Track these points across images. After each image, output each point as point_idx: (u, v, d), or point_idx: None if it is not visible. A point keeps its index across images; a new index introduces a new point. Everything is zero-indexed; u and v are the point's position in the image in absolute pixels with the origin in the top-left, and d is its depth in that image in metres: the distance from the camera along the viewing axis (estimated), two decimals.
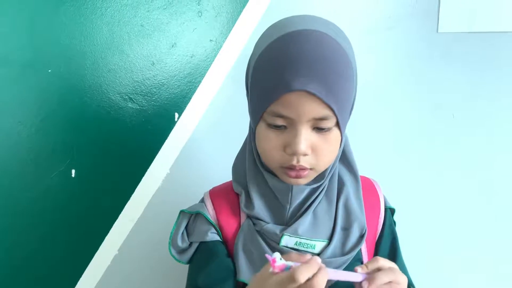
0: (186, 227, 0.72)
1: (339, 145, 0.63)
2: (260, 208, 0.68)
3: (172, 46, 0.95)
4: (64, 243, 0.95)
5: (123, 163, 0.95)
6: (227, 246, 0.70)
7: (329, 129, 0.60)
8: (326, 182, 0.68)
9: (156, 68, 0.95)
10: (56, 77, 0.90)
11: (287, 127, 0.60)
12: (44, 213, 0.93)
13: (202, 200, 0.74)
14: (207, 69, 0.97)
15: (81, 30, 0.90)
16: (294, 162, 0.60)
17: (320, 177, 0.66)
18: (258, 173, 0.69)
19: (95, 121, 0.93)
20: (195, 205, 0.74)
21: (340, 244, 0.66)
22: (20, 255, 0.93)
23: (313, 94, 0.56)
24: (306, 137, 0.59)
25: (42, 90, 0.90)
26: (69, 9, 0.90)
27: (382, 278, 0.56)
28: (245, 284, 0.64)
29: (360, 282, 0.57)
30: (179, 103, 0.96)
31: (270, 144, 0.61)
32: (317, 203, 0.67)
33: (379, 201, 0.74)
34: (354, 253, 0.66)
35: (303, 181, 0.64)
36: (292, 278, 0.49)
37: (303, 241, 0.65)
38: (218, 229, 0.70)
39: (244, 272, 0.66)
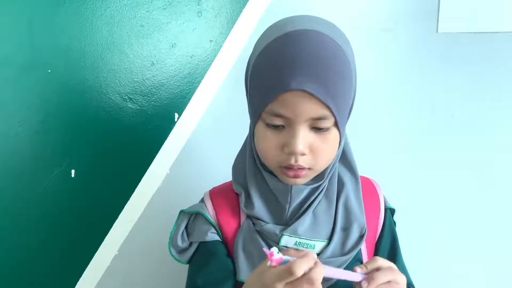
0: (186, 227, 0.72)
1: (337, 145, 0.63)
2: (260, 208, 0.68)
3: (172, 46, 0.95)
4: (64, 243, 0.95)
5: (123, 163, 0.95)
6: (227, 246, 0.70)
7: (327, 129, 0.60)
8: (326, 182, 0.68)
9: (156, 68, 0.95)
10: (56, 78, 0.90)
11: (285, 126, 0.60)
12: (44, 214, 0.93)
13: (202, 200, 0.74)
14: (207, 69, 0.97)
15: (80, 30, 0.90)
16: (292, 162, 0.60)
17: (320, 177, 0.66)
18: (258, 173, 0.69)
19: (95, 122, 0.93)
20: (195, 205, 0.74)
21: (339, 244, 0.66)
22: (20, 255, 0.93)
23: (311, 94, 0.56)
24: (304, 137, 0.59)
25: (41, 90, 0.90)
26: (69, 9, 0.90)
27: (381, 278, 0.56)
28: None
29: (359, 282, 0.57)
30: (179, 103, 0.96)
31: (268, 144, 0.62)
32: (317, 203, 0.67)
33: (379, 201, 0.74)
34: (353, 253, 0.66)
35: (301, 181, 0.64)
36: (289, 271, 0.49)
37: (302, 241, 0.65)
38: (218, 229, 0.70)
39: (244, 272, 0.66)
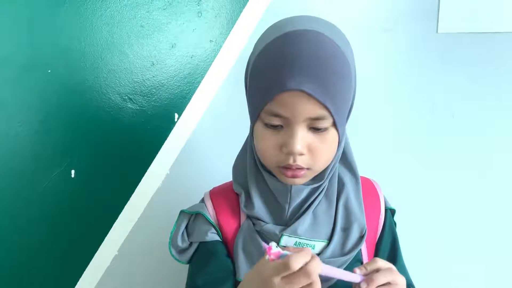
0: (186, 227, 0.72)
1: (336, 146, 0.63)
2: (260, 208, 0.68)
3: (172, 46, 0.95)
4: (64, 243, 0.95)
5: (123, 163, 0.95)
6: (227, 246, 0.70)
7: (325, 129, 0.60)
8: (326, 183, 0.68)
9: (155, 68, 0.95)
10: (56, 78, 0.90)
11: (284, 126, 0.60)
12: (44, 214, 0.93)
13: (202, 200, 0.74)
14: (207, 70, 0.97)
15: (80, 30, 0.90)
16: (291, 162, 0.60)
17: (320, 177, 0.66)
18: (258, 173, 0.69)
19: (95, 122, 0.93)
20: (195, 205, 0.74)
21: (339, 244, 0.66)
22: (20, 255, 0.93)
23: (309, 94, 0.56)
24: (302, 137, 0.59)
25: (41, 90, 0.90)
26: (69, 9, 0.90)
27: (380, 279, 0.56)
28: None
29: (359, 283, 0.57)
30: (178, 103, 0.96)
31: (267, 144, 0.62)
32: (317, 203, 0.67)
33: (379, 201, 0.74)
34: (353, 254, 0.66)
35: (300, 181, 0.64)
36: (286, 265, 0.49)
37: (302, 241, 0.65)
38: (218, 229, 0.70)
39: (244, 272, 0.66)
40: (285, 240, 0.65)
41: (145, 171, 0.96)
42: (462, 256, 1.01)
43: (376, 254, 0.72)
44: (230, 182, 0.75)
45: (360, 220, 0.68)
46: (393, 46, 0.99)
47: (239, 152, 0.74)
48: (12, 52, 0.88)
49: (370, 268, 0.57)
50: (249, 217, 0.69)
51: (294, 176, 0.62)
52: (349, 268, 0.60)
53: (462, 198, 1.00)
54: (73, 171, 0.93)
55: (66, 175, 0.93)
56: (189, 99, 0.96)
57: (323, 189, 0.68)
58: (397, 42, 0.99)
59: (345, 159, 0.71)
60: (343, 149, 0.68)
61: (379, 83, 0.99)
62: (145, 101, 0.95)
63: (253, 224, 0.68)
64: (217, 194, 0.74)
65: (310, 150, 0.60)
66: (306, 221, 0.66)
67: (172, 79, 0.96)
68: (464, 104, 0.99)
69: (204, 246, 0.70)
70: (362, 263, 0.69)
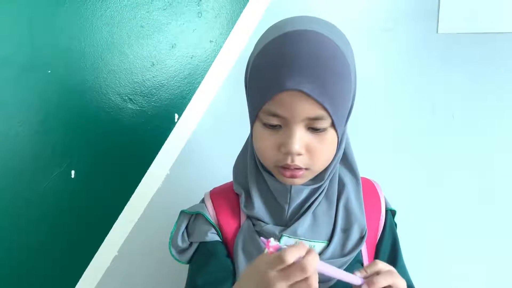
0: (186, 227, 0.72)
1: (335, 146, 0.63)
2: (260, 208, 0.68)
3: (172, 47, 0.95)
4: (64, 243, 0.95)
5: (123, 164, 0.95)
6: (227, 246, 0.70)
7: (324, 130, 0.60)
8: (327, 183, 0.68)
9: (156, 69, 0.95)
10: (56, 78, 0.90)
11: (282, 126, 0.60)
12: (44, 214, 0.93)
13: (203, 201, 0.74)
14: (207, 70, 0.97)
15: (80, 31, 0.91)
16: (289, 162, 0.60)
17: (320, 178, 0.66)
18: (259, 173, 0.69)
19: (95, 122, 0.93)
20: (195, 205, 0.74)
21: (339, 245, 0.66)
22: (19, 256, 0.93)
23: (307, 94, 0.56)
24: (300, 137, 0.59)
25: (41, 90, 0.90)
26: (69, 10, 0.90)
27: (381, 282, 0.56)
28: None
29: (359, 286, 0.56)
30: (179, 104, 0.96)
31: (265, 143, 0.62)
32: (317, 204, 0.67)
33: (380, 202, 0.74)
34: (353, 255, 0.66)
35: (298, 181, 0.64)
36: (280, 258, 0.48)
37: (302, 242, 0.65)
38: (218, 229, 0.70)
39: None
40: (285, 240, 0.65)
41: (145, 171, 0.96)
42: (463, 257, 1.01)
43: (377, 255, 0.72)
44: (230, 182, 0.75)
45: (360, 221, 0.68)
46: (393, 46, 0.99)
47: (240, 153, 0.74)
48: (12, 52, 0.88)
49: (371, 270, 0.57)
50: (249, 217, 0.69)
51: (292, 176, 0.62)
52: (349, 269, 0.60)
53: (463, 199, 1.00)
54: (73, 172, 0.93)
55: (66, 176, 0.93)
56: (189, 99, 0.96)
57: (323, 189, 0.68)
58: (397, 42, 0.99)
59: (345, 159, 0.70)
60: (344, 149, 0.68)
61: (379, 83, 0.99)
62: (145, 102, 0.95)
63: (253, 224, 0.68)
64: (217, 194, 0.74)
65: (309, 150, 0.60)
66: (306, 221, 0.66)
67: (172, 80, 0.96)
68: (464, 104, 0.99)
69: (204, 246, 0.70)
70: (362, 264, 0.69)
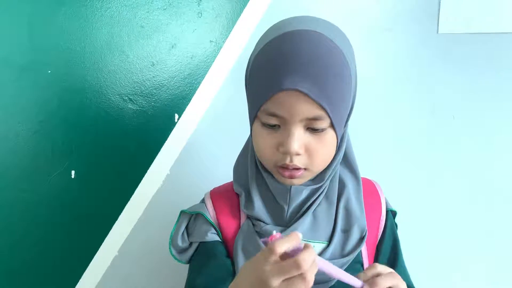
0: (186, 227, 0.72)
1: (335, 147, 0.63)
2: (260, 208, 0.68)
3: (172, 47, 0.95)
4: (64, 243, 0.95)
5: (123, 164, 0.95)
6: (226, 246, 0.70)
7: (323, 130, 0.59)
8: (327, 184, 0.68)
9: (156, 69, 0.95)
10: (56, 78, 0.90)
11: (281, 126, 0.60)
12: (44, 214, 0.93)
13: (203, 201, 0.74)
14: (207, 70, 0.97)
15: (81, 31, 0.91)
16: (287, 161, 0.60)
17: (320, 178, 0.66)
18: (259, 173, 0.69)
19: (95, 122, 0.93)
20: (195, 205, 0.74)
21: (339, 246, 0.66)
22: (19, 256, 0.93)
23: (305, 94, 0.55)
24: (299, 137, 0.59)
25: (41, 91, 0.90)
26: (69, 10, 0.90)
27: (383, 283, 0.56)
28: None
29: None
30: (179, 104, 0.96)
31: (264, 143, 0.62)
32: (317, 204, 0.67)
33: (381, 203, 0.73)
34: (353, 255, 0.66)
35: (297, 181, 0.64)
36: (270, 249, 0.48)
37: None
38: (218, 229, 0.70)
39: None
40: None
41: (146, 171, 0.96)
42: (463, 257, 1.01)
43: (377, 256, 0.72)
44: (230, 182, 0.75)
45: (360, 222, 0.68)
46: (393, 46, 0.99)
47: (240, 153, 0.74)
48: (12, 52, 0.88)
49: (370, 274, 0.57)
50: (249, 217, 0.69)
51: (291, 177, 0.62)
52: (349, 269, 0.60)
53: (463, 199, 1.00)
54: (73, 172, 0.93)
55: (66, 176, 0.93)
56: (190, 99, 0.96)
57: (323, 190, 0.67)
58: (398, 42, 0.98)
59: (346, 160, 0.70)
60: (345, 150, 0.68)
61: (379, 83, 0.99)
62: (145, 102, 0.95)
63: (253, 224, 0.68)
64: (217, 194, 0.74)
65: (307, 151, 0.60)
66: (305, 222, 0.66)
67: (172, 80, 0.96)
68: (465, 104, 0.99)
69: (204, 246, 0.70)
70: (362, 264, 0.69)
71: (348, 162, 0.71)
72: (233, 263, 0.68)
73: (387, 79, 0.99)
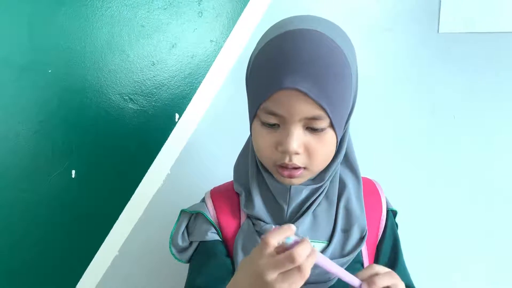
0: (186, 227, 0.72)
1: (334, 147, 0.63)
2: (260, 208, 0.68)
3: (173, 46, 0.95)
4: (64, 243, 0.95)
5: (124, 163, 0.95)
6: (227, 245, 0.70)
7: (323, 130, 0.59)
8: (327, 184, 0.67)
9: (156, 68, 0.95)
10: (56, 78, 0.90)
11: (280, 125, 0.60)
12: (44, 214, 0.93)
13: (203, 200, 0.74)
14: (208, 70, 0.97)
15: (81, 30, 0.90)
16: (287, 161, 0.60)
17: (320, 178, 0.66)
18: (259, 173, 0.69)
19: (95, 122, 0.93)
20: (195, 204, 0.74)
21: (339, 245, 0.66)
22: (20, 256, 0.93)
23: (305, 93, 0.55)
24: (298, 137, 0.59)
25: (42, 90, 0.90)
26: (69, 9, 0.90)
27: (381, 282, 0.56)
28: None
29: (359, 287, 0.56)
30: (179, 103, 0.96)
31: (263, 142, 0.62)
32: (317, 204, 0.67)
33: (381, 203, 0.73)
34: (353, 255, 0.66)
35: (296, 181, 0.64)
36: (264, 242, 0.48)
37: None
38: (218, 228, 0.70)
39: None
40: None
41: (146, 171, 0.96)
42: (463, 257, 1.01)
43: (377, 256, 0.72)
44: (230, 182, 0.75)
45: (360, 221, 0.68)
46: (393, 46, 0.99)
47: (241, 152, 0.74)
48: (12, 52, 0.88)
49: (368, 273, 0.57)
50: (249, 217, 0.69)
51: (290, 176, 0.62)
52: (349, 269, 0.60)
53: (463, 199, 1.00)
54: (73, 171, 0.93)
55: (66, 175, 0.93)
56: (190, 99, 0.96)
57: (323, 190, 0.67)
58: (398, 42, 0.98)
59: (347, 160, 0.70)
60: (346, 150, 0.68)
61: (380, 83, 0.99)
62: (145, 101, 0.95)
63: (253, 224, 0.68)
64: (217, 193, 0.74)
65: (307, 150, 0.60)
66: (306, 221, 0.66)
67: (173, 79, 0.95)
68: (465, 104, 0.99)
69: (204, 246, 0.70)
70: (362, 264, 0.69)
71: (349, 162, 0.70)
72: (233, 263, 0.68)
73: (387, 79, 0.99)
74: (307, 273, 0.48)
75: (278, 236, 0.49)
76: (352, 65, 0.60)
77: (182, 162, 0.97)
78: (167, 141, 0.96)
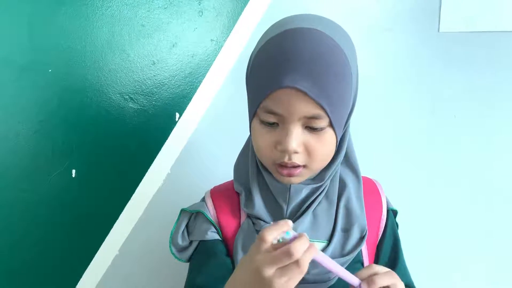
0: (186, 226, 0.72)
1: (334, 146, 0.63)
2: (260, 207, 0.68)
3: (173, 45, 0.95)
4: (64, 243, 0.95)
5: (124, 163, 0.95)
6: (227, 245, 0.70)
7: (322, 129, 0.59)
8: (327, 183, 0.67)
9: (156, 67, 0.94)
10: (57, 77, 0.90)
11: (279, 124, 0.60)
12: (45, 214, 0.93)
13: (203, 199, 0.74)
14: (208, 69, 0.97)
15: (81, 30, 0.90)
16: (286, 160, 0.60)
17: (320, 178, 0.66)
18: (259, 172, 0.69)
19: (96, 121, 0.93)
20: (195, 204, 0.74)
21: (339, 245, 0.66)
22: (20, 256, 0.93)
23: (304, 92, 0.55)
24: (297, 136, 0.58)
25: (42, 90, 0.90)
26: (70, 9, 0.90)
27: (380, 282, 0.55)
28: None
29: (358, 286, 0.56)
30: (180, 103, 0.96)
31: (262, 141, 0.62)
32: (317, 203, 0.67)
33: (381, 202, 0.73)
34: (353, 255, 0.66)
35: (296, 180, 0.64)
36: (260, 238, 0.48)
37: None
38: (218, 228, 0.70)
39: None
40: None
41: (146, 170, 0.96)
42: (463, 257, 1.01)
43: (378, 255, 0.71)
44: (231, 181, 0.75)
45: (361, 221, 0.68)
46: (394, 45, 0.99)
47: (241, 151, 0.74)
48: (12, 51, 0.88)
49: (367, 273, 0.57)
50: (249, 216, 0.69)
51: (290, 175, 0.62)
52: (349, 269, 0.60)
53: (464, 199, 1.00)
54: (73, 171, 0.93)
55: (67, 175, 0.93)
56: (190, 98, 0.96)
57: (323, 189, 0.67)
58: (398, 41, 0.98)
59: (347, 159, 0.70)
60: (346, 149, 0.68)
61: (380, 83, 0.99)
62: (146, 101, 0.95)
63: (253, 223, 0.68)
64: (217, 193, 0.74)
65: (306, 149, 0.60)
66: (305, 221, 0.66)
67: (173, 79, 0.95)
68: (465, 103, 0.99)
69: (204, 245, 0.70)
70: (362, 264, 0.68)
71: (349, 162, 0.70)
72: (233, 262, 0.68)
73: (387, 78, 0.99)
74: (305, 268, 0.48)
75: (275, 231, 0.49)
76: (352, 64, 0.60)
77: (182, 162, 0.97)
78: (167, 141, 0.96)
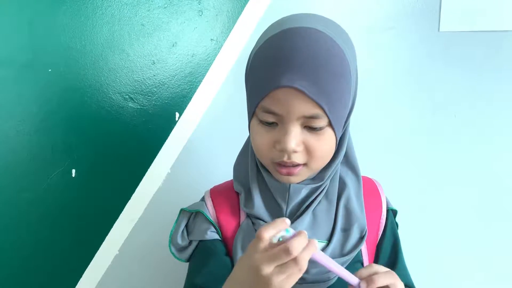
0: (186, 226, 0.72)
1: (333, 146, 0.62)
2: (259, 207, 0.68)
3: (173, 45, 0.95)
4: (64, 243, 0.95)
5: (124, 162, 0.95)
6: (226, 244, 0.70)
7: (321, 129, 0.59)
8: (327, 183, 0.67)
9: (156, 67, 0.94)
10: (56, 77, 0.90)
11: (278, 124, 0.60)
12: (45, 213, 0.93)
13: (203, 199, 0.74)
14: (208, 69, 0.96)
15: (81, 29, 0.90)
16: (285, 159, 0.60)
17: (320, 177, 0.66)
18: (259, 172, 0.69)
19: (96, 121, 0.93)
20: (195, 203, 0.74)
21: (339, 245, 0.66)
22: (20, 256, 0.93)
23: (302, 92, 0.55)
24: (296, 135, 0.58)
25: (42, 89, 0.90)
26: (70, 8, 0.90)
27: (380, 281, 0.55)
28: None
29: (358, 285, 0.56)
30: (179, 102, 0.96)
31: (261, 140, 0.61)
32: (317, 203, 0.67)
33: (381, 202, 0.73)
34: (353, 254, 0.66)
35: (295, 179, 0.63)
36: (257, 236, 0.48)
37: None
38: (217, 228, 0.70)
39: None
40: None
41: (146, 170, 0.96)
42: (463, 257, 1.01)
43: (377, 255, 0.71)
44: (230, 181, 0.75)
45: (360, 221, 0.67)
46: (394, 45, 0.98)
47: (240, 151, 0.74)
48: (12, 51, 0.88)
49: (367, 272, 0.57)
50: (249, 216, 0.69)
51: (289, 174, 0.62)
52: (349, 269, 0.60)
53: (464, 199, 1.00)
54: (73, 171, 0.93)
55: (66, 175, 0.93)
56: (190, 98, 0.96)
57: (323, 189, 0.67)
58: (399, 40, 0.98)
59: (347, 159, 0.70)
60: (346, 149, 0.67)
61: (380, 83, 0.99)
62: (146, 100, 0.95)
63: (253, 223, 0.68)
64: (217, 192, 0.74)
65: (306, 148, 0.60)
66: (305, 221, 0.66)
67: (173, 78, 0.95)
68: (466, 103, 0.98)
69: (203, 245, 0.70)
70: (362, 263, 0.68)
71: (349, 161, 0.70)
72: (232, 262, 0.68)
73: (389, 77, 0.99)
74: (304, 265, 0.48)
75: (272, 229, 0.49)
76: (351, 64, 0.60)
77: (182, 161, 0.97)
78: (167, 140, 0.96)
